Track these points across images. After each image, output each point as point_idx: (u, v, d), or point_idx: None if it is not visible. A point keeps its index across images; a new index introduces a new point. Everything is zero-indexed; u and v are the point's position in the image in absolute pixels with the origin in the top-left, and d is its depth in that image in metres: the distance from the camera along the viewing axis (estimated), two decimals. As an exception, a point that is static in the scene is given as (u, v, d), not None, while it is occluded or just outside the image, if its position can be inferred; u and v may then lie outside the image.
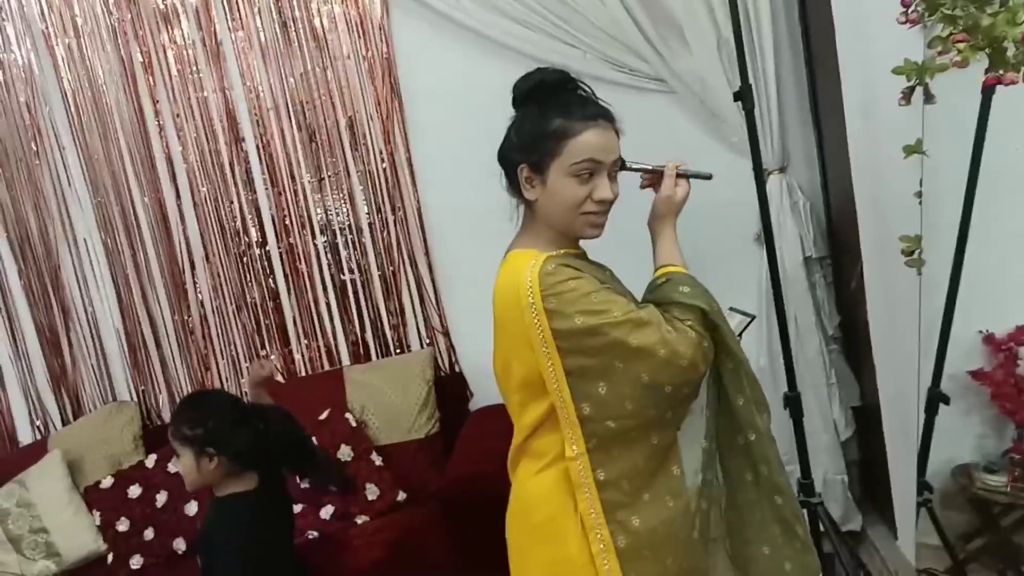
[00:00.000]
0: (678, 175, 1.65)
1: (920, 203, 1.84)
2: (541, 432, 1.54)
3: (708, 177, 1.69)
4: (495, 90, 3.02)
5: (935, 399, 2.15)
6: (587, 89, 1.58)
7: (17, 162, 3.30)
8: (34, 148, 3.29)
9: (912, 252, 1.84)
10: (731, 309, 1.73)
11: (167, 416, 3.43)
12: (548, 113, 1.52)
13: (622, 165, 1.61)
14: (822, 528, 2.33)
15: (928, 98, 1.71)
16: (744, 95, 2.14)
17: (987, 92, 1.82)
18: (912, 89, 1.71)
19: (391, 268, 3.22)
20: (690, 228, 3.06)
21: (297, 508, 2.94)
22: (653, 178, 1.72)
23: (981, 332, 2.51)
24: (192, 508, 2.97)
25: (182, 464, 2.12)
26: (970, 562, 2.91)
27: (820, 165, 3.03)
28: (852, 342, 3.04)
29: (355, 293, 3.28)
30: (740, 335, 1.68)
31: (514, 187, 1.59)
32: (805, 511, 2.30)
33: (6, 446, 3.46)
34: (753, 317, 1.73)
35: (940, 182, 1.98)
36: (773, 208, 2.96)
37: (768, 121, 2.90)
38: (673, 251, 1.64)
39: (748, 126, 2.19)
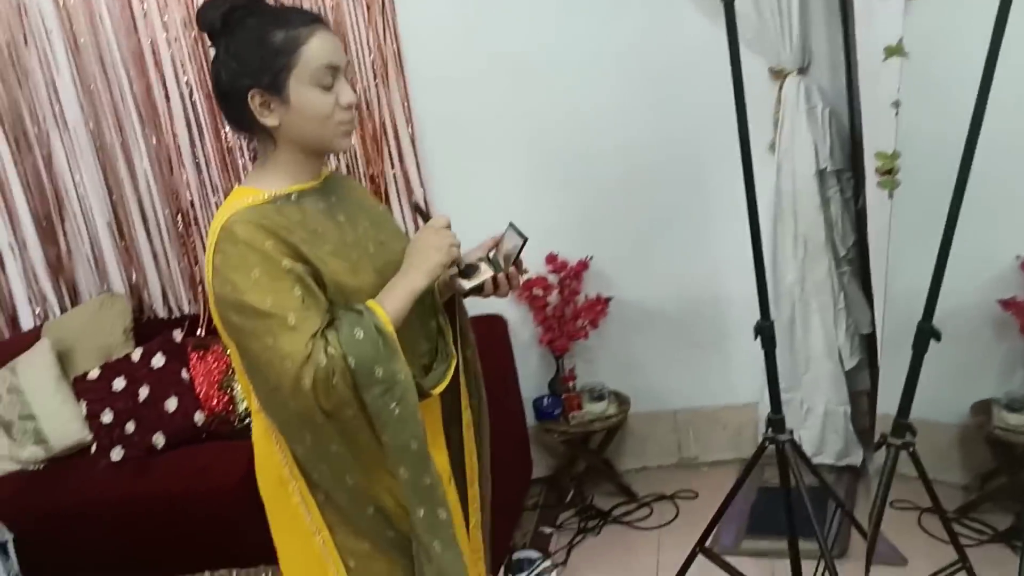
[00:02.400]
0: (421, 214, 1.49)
1: (896, 114, 1.58)
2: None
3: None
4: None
5: (924, 334, 1.92)
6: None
7: (6, 46, 3.21)
8: (23, 35, 3.19)
9: (889, 171, 1.59)
10: (510, 225, 1.57)
11: (159, 310, 3.42)
12: (263, 29, 1.37)
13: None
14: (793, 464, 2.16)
15: (913, -11, 1.44)
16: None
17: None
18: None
19: (381, 175, 3.08)
20: (697, 135, 2.85)
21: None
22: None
23: (1019, 258, 2.25)
24: (172, 404, 2.95)
25: None
26: (986, 501, 2.73)
27: (847, 66, 2.72)
28: (867, 264, 2.79)
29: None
30: (517, 258, 1.54)
31: (244, 120, 1.42)
32: (773, 447, 2.14)
33: (7, 332, 3.50)
34: (526, 239, 1.53)
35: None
36: (788, 114, 2.69)
37: (787, 15, 2.60)
38: (392, 296, 1.41)
39: (728, 25, 1.91)
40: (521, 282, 1.61)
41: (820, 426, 2.89)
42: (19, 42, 3.20)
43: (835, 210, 2.76)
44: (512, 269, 1.54)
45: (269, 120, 1.39)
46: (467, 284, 1.51)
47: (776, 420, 2.11)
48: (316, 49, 1.38)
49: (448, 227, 1.48)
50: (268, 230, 1.33)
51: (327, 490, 1.43)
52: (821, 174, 2.71)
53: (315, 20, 1.42)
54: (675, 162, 2.94)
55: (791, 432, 2.12)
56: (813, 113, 2.68)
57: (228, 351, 1.47)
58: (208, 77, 3.10)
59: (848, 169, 2.78)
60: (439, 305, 1.58)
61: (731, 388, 3.11)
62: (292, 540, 1.52)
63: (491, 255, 1.55)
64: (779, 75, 2.71)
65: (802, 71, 2.68)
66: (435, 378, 1.50)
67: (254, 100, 1.37)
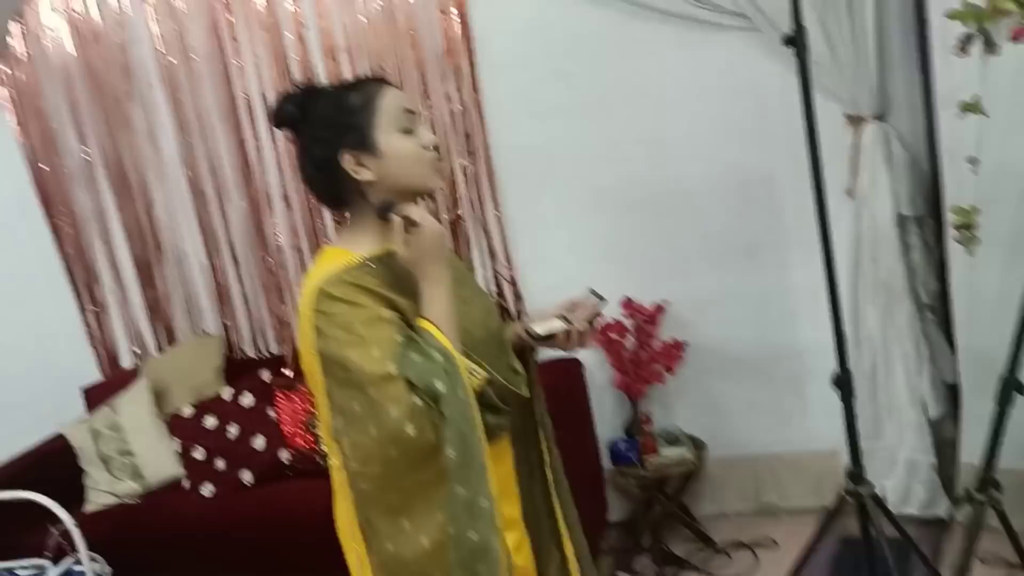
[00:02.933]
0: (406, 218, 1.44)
1: (973, 171, 1.57)
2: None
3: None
4: (567, 27, 2.89)
5: (1008, 386, 1.88)
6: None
7: (113, 102, 3.42)
8: (127, 89, 3.40)
9: (967, 226, 1.58)
10: (591, 291, 1.61)
11: (248, 350, 3.56)
12: (338, 98, 1.46)
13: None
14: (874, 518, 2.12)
15: (989, 48, 1.44)
16: (798, 40, 1.89)
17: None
18: (969, 37, 1.44)
19: (458, 212, 3.16)
20: (775, 179, 2.85)
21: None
22: None
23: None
24: (259, 442, 3.07)
25: None
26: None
27: (927, 112, 2.69)
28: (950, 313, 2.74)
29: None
30: (593, 318, 1.59)
31: (340, 190, 1.48)
32: (853, 499, 2.11)
33: (108, 372, 3.69)
34: (605, 301, 1.59)
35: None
36: (866, 160, 2.68)
37: (864, 62, 2.59)
38: (430, 305, 1.43)
39: (800, 76, 1.93)
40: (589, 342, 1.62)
41: (904, 476, 2.82)
42: (123, 97, 3.41)
43: (917, 257, 2.72)
44: (586, 326, 1.57)
45: (365, 175, 1.44)
46: (539, 330, 1.55)
47: (855, 472, 2.08)
48: (391, 99, 1.46)
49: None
50: (363, 288, 1.38)
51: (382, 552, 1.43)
52: (902, 220, 2.68)
53: (380, 79, 1.51)
54: (753, 206, 2.94)
55: (872, 484, 2.09)
56: (892, 159, 2.65)
57: (316, 402, 1.51)
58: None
59: (930, 215, 2.74)
60: (508, 347, 1.61)
61: (812, 434, 3.05)
62: None
63: (565, 313, 1.58)
64: (856, 121, 2.70)
65: (880, 117, 2.67)
66: (516, 382, 1.52)
67: (348, 161, 1.43)
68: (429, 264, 1.42)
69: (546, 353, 1.73)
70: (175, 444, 3.20)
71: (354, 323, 1.36)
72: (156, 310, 3.62)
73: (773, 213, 2.92)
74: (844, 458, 2.25)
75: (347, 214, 1.52)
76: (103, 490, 3.20)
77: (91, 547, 2.61)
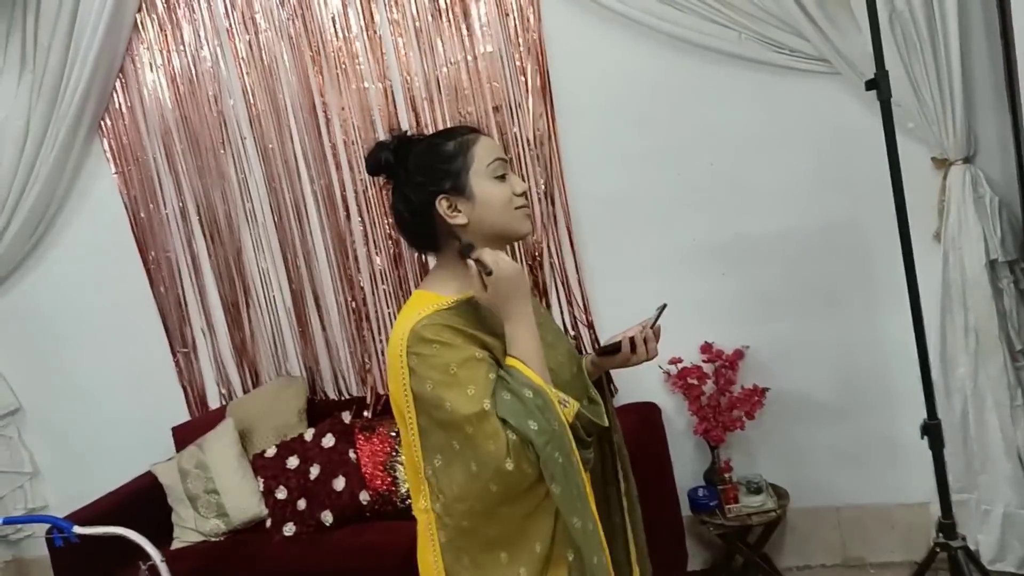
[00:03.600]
0: (475, 260, 1.47)
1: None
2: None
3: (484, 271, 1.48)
4: (646, 75, 2.93)
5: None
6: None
7: (206, 152, 3.58)
8: (220, 139, 3.56)
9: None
10: (664, 305, 1.68)
11: (329, 392, 3.63)
12: (434, 145, 1.52)
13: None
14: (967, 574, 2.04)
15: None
16: (880, 83, 1.88)
17: None
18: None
19: (537, 256, 3.18)
20: (861, 222, 2.81)
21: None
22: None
23: None
24: (340, 483, 3.12)
25: None
26: None
27: (1017, 154, 2.63)
28: (1048, 360, 2.64)
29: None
30: (654, 325, 1.62)
31: (433, 233, 1.53)
32: (946, 554, 2.03)
33: (197, 411, 3.81)
34: (664, 305, 1.64)
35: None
36: (954, 204, 2.62)
37: (949, 104, 2.55)
38: (514, 343, 1.46)
39: (884, 120, 1.91)
40: (656, 349, 1.65)
41: (1000, 530, 2.69)
42: (218, 148, 3.57)
43: (1008, 302, 2.63)
44: (649, 332, 1.61)
45: (458, 220, 1.49)
46: (602, 342, 1.57)
47: (947, 524, 2.01)
48: (485, 147, 1.52)
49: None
50: (455, 328, 1.43)
51: None
52: (992, 264, 2.60)
53: (474, 128, 1.57)
54: (838, 249, 2.89)
55: (964, 537, 2.01)
56: (981, 202, 2.59)
57: (402, 440, 1.53)
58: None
59: (1022, 260, 2.66)
60: (589, 383, 1.63)
61: (901, 485, 2.95)
62: None
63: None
64: (943, 164, 2.65)
65: (967, 159, 2.61)
66: (597, 412, 1.54)
67: (442, 204, 1.49)
68: (510, 303, 1.45)
69: (626, 391, 1.74)
70: (259, 483, 3.27)
71: (449, 364, 1.40)
72: (243, 352, 3.73)
73: (859, 259, 2.87)
74: (936, 510, 2.18)
75: (434, 258, 1.57)
76: (189, 527, 3.29)
77: (178, 583, 2.67)
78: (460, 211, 1.49)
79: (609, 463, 1.69)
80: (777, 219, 2.94)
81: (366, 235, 3.42)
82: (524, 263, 3.19)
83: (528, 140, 3.12)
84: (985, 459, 2.69)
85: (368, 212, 3.40)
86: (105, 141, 3.77)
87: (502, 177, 1.51)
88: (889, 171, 2.09)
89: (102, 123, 3.75)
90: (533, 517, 1.41)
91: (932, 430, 2.00)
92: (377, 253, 3.43)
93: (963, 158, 2.61)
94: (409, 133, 1.59)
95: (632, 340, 1.61)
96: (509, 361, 1.44)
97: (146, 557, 2.71)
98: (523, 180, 1.56)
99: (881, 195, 2.23)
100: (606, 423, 1.55)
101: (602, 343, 1.61)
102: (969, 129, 2.59)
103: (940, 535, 2.01)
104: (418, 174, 1.51)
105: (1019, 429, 2.64)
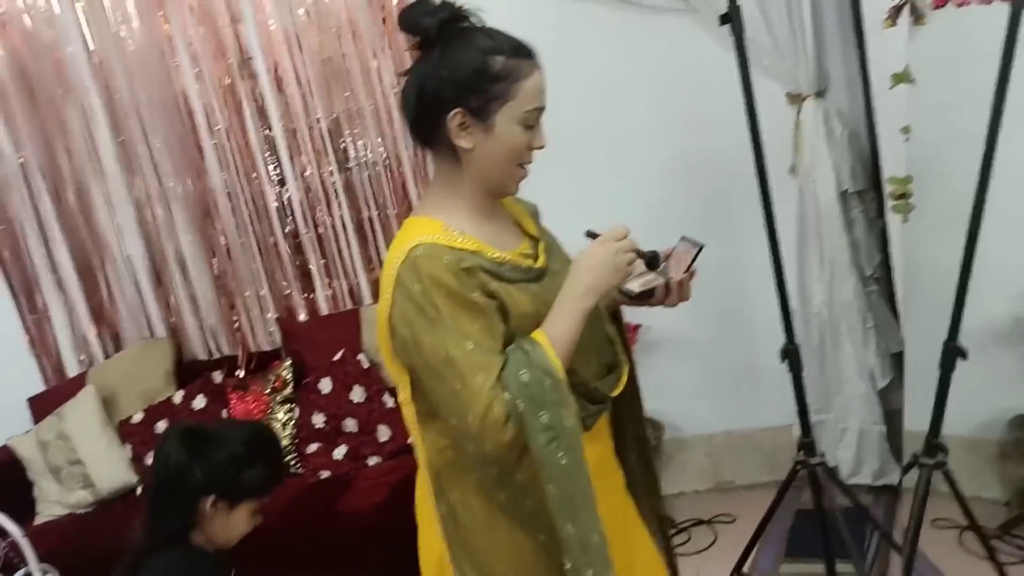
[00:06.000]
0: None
1: (906, 139, 1.60)
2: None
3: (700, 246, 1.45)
4: (498, 17, 2.86)
5: (950, 353, 1.93)
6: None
7: (46, 104, 3.33)
8: (60, 91, 3.32)
9: (902, 195, 1.61)
10: (683, 239, 1.51)
11: (198, 352, 3.50)
12: (485, 50, 1.30)
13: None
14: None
15: (917, 18, 1.46)
16: (733, 17, 1.91)
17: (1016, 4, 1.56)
18: (899, 8, 1.47)
19: (407, 204, 3.14)
20: (719, 162, 2.88)
21: (313, 447, 2.97)
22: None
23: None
24: (213, 445, 3.03)
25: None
26: (1029, 519, 2.69)
27: (864, 87, 2.74)
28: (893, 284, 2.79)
29: (373, 231, 3.22)
30: (691, 267, 1.48)
31: (432, 136, 1.35)
32: (806, 472, 2.15)
33: (53, 380, 3.60)
34: (702, 246, 1.48)
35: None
36: (807, 137, 2.71)
37: (800, 40, 2.63)
38: (557, 318, 1.32)
39: (738, 54, 1.95)
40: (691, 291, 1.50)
41: (855, 446, 2.88)
42: (59, 101, 3.32)
43: (859, 231, 2.77)
44: (685, 276, 1.46)
45: (463, 142, 1.32)
46: (635, 288, 1.41)
47: (807, 443, 2.12)
48: (533, 88, 1.33)
49: (624, 238, 1.38)
50: (453, 264, 1.27)
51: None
52: (844, 196, 2.72)
53: (535, 57, 1.36)
54: (699, 186, 2.96)
55: (823, 454, 2.13)
56: (832, 136, 2.70)
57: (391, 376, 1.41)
58: (238, 127, 3.21)
59: (871, 189, 2.79)
60: (606, 314, 1.53)
61: (765, 410, 3.10)
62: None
63: (661, 267, 1.47)
64: (797, 99, 2.74)
65: (819, 95, 2.71)
66: (611, 382, 1.45)
67: (454, 119, 1.31)
68: (588, 282, 1.32)
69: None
70: (127, 451, 3.14)
71: (438, 306, 1.25)
72: (101, 315, 3.54)
73: (720, 195, 2.94)
74: (797, 432, 2.29)
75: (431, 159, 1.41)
76: (53, 500, 3.13)
77: (42, 559, 2.54)
78: (470, 134, 1.32)
79: (632, 400, 1.57)
80: (638, 158, 2.98)
81: (226, 184, 3.28)
82: (397, 206, 3.13)
83: (393, 88, 3.05)
84: (840, 380, 2.85)
85: (229, 162, 3.26)
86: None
87: (531, 127, 1.34)
88: (745, 106, 2.14)
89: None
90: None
91: (791, 354, 2.09)
92: (239, 205, 3.30)
93: (815, 93, 2.70)
94: (464, 9, 1.33)
95: (668, 287, 1.45)
96: (538, 336, 1.30)
97: (5, 534, 2.57)
98: (544, 139, 1.39)
99: (739, 131, 2.28)
100: (619, 389, 1.45)
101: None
102: (820, 64, 2.68)
103: (801, 453, 2.11)
104: (449, 72, 1.30)
105: (870, 350, 2.80)
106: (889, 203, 2.02)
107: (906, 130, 1.59)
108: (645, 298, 1.45)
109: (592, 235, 1.38)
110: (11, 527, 2.51)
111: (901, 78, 1.49)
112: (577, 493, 1.27)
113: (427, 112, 1.34)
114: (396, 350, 1.32)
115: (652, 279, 1.42)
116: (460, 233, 1.34)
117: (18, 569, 2.58)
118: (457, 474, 1.38)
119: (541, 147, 1.38)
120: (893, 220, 2.13)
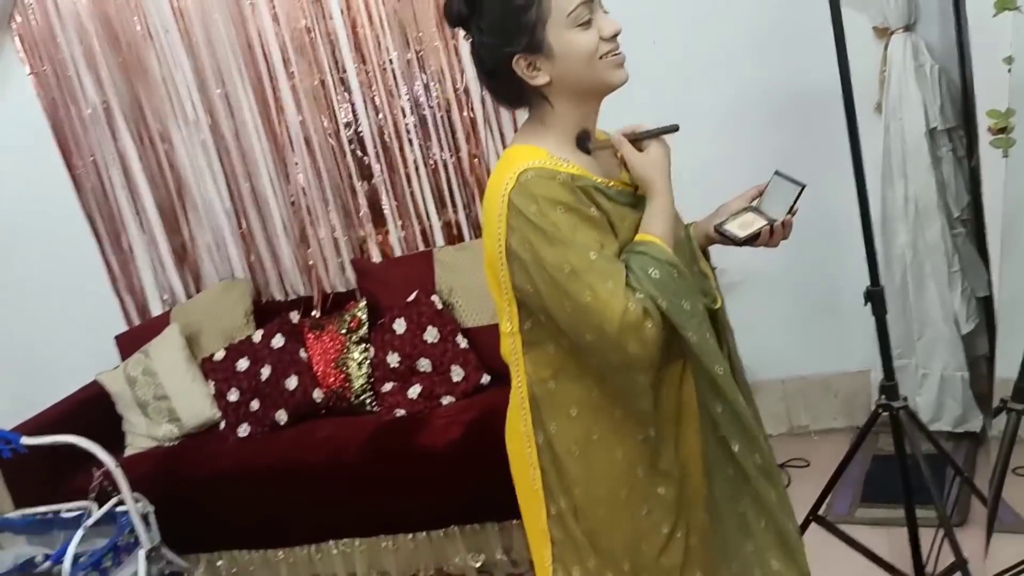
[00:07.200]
0: (636, 138, 1.40)
1: (1010, 70, 1.53)
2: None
3: (674, 129, 1.44)
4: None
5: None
6: None
7: (128, 46, 3.39)
8: (140, 30, 3.36)
9: (1003, 129, 1.54)
10: (777, 174, 1.49)
11: (275, 293, 3.58)
12: (500, 0, 1.32)
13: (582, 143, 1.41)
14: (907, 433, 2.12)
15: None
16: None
17: None
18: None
19: (479, 146, 3.13)
20: (806, 96, 2.79)
21: (388, 386, 3.03)
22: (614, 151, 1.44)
23: None
24: (292, 382, 3.10)
25: None
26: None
27: (957, 21, 2.62)
28: (983, 225, 2.70)
29: (447, 173, 3.23)
30: (792, 209, 1.45)
31: (515, 92, 1.39)
32: (888, 415, 2.11)
33: (138, 319, 3.72)
34: (803, 186, 1.45)
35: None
36: (895, 73, 2.62)
37: (890, -31, 2.52)
38: (655, 219, 1.37)
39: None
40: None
41: (937, 392, 2.81)
42: (140, 43, 3.38)
43: (947, 170, 2.67)
44: (788, 217, 1.46)
45: (539, 80, 1.34)
46: (742, 233, 1.43)
47: (889, 387, 2.08)
48: None
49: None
50: (567, 182, 1.30)
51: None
52: (932, 133, 2.63)
53: None
54: (781, 122, 2.88)
55: (905, 399, 2.08)
56: (921, 71, 2.60)
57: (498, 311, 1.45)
58: (319, 61, 3.23)
59: (961, 127, 2.68)
60: (698, 252, 1.56)
61: (843, 354, 3.05)
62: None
63: (755, 204, 1.49)
64: (884, 33, 2.64)
65: (908, 28, 2.60)
66: (710, 287, 1.50)
67: (520, 65, 1.33)
68: (658, 176, 1.38)
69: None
70: (209, 387, 3.24)
71: (557, 222, 1.28)
72: (183, 256, 3.64)
73: (802, 131, 2.87)
74: (877, 377, 2.25)
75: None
76: (142, 434, 3.26)
77: (133, 488, 2.66)
78: (540, 69, 1.33)
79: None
80: (719, 92, 2.91)
81: (301, 126, 3.31)
82: (472, 148, 3.13)
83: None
84: (923, 324, 2.78)
85: (306, 106, 3.28)
86: (17, 40, 3.54)
87: (587, 23, 1.32)
88: (834, 40, 2.06)
89: (12, 19, 3.52)
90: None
91: (875, 296, 2.04)
92: (316, 149, 3.33)
93: (904, 26, 2.59)
94: None
95: (772, 229, 1.45)
96: (646, 238, 1.33)
97: (99, 465, 2.69)
98: (613, 21, 1.36)
99: (824, 66, 2.21)
100: (718, 304, 1.48)
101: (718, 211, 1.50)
102: (910, -5, 2.57)
103: (883, 396, 2.07)
104: (489, 33, 1.34)
105: (955, 294, 2.72)
106: (987, 137, 1.94)
107: (1009, 60, 1.51)
108: (749, 242, 1.46)
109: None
110: (105, 458, 2.63)
111: (1006, 4, 1.41)
112: (716, 366, 1.34)
113: (497, 77, 1.39)
114: (516, 277, 1.34)
115: (757, 223, 1.43)
116: (564, 160, 1.35)
117: (111, 497, 2.71)
118: (556, 405, 1.41)
119: (615, 33, 1.35)
120: (990, 156, 2.04)
